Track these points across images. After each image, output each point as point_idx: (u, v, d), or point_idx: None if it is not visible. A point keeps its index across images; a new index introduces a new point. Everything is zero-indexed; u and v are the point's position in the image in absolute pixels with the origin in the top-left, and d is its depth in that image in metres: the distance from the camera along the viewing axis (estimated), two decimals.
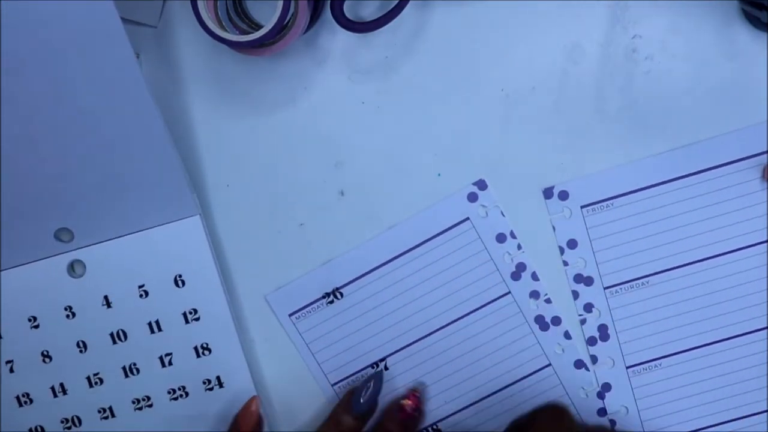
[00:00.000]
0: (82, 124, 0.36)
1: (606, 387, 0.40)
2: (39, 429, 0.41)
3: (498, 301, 0.40)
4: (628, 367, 0.39)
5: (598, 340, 0.39)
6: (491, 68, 0.38)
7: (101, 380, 0.41)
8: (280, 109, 0.40)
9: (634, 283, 0.39)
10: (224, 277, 0.40)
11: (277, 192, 0.40)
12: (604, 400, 0.40)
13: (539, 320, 0.39)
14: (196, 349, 0.40)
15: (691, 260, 0.38)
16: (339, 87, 0.39)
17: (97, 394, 0.41)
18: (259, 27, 0.37)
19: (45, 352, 0.41)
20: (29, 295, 0.40)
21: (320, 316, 0.41)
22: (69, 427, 0.41)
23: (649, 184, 0.38)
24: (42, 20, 0.33)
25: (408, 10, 0.37)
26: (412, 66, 0.39)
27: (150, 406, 0.41)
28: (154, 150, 0.37)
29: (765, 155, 0.37)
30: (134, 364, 0.41)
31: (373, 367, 0.41)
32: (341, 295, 0.40)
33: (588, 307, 0.39)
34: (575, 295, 0.39)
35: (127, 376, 0.41)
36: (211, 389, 0.41)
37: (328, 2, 0.38)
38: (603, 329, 0.39)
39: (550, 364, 0.40)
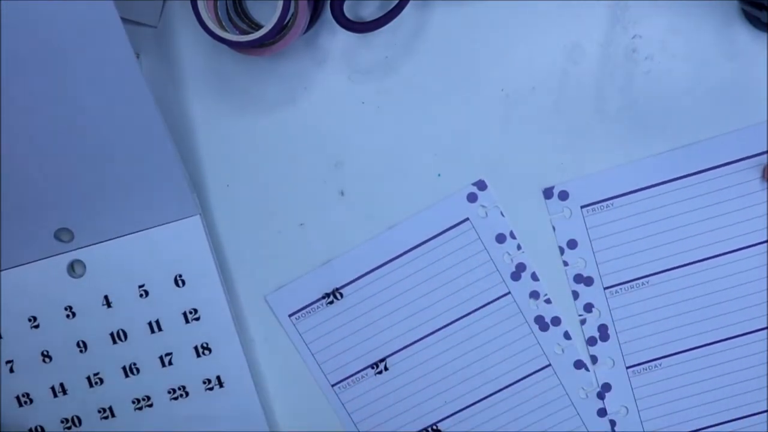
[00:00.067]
0: (83, 123, 0.36)
1: (606, 387, 0.40)
2: (39, 429, 0.41)
3: (498, 301, 0.40)
4: (628, 367, 0.39)
5: (598, 340, 0.39)
6: (491, 68, 0.38)
7: (101, 380, 0.41)
8: (280, 109, 0.40)
9: (634, 283, 0.39)
10: (224, 277, 0.40)
11: (277, 192, 0.40)
12: (604, 400, 0.40)
13: (539, 320, 0.39)
14: (196, 348, 0.40)
15: (691, 260, 0.38)
16: (339, 87, 0.39)
17: (98, 393, 0.41)
18: (259, 27, 0.37)
19: (45, 352, 0.41)
20: (29, 295, 0.40)
21: (320, 317, 0.41)
22: (69, 427, 0.41)
23: (649, 184, 0.38)
24: (42, 20, 0.33)
25: (408, 10, 0.37)
26: (412, 66, 0.39)
27: (150, 405, 0.41)
28: (154, 150, 0.37)
29: (765, 155, 0.37)
30: (134, 364, 0.41)
31: (373, 367, 0.41)
32: (341, 295, 0.40)
33: (588, 307, 0.39)
34: (575, 295, 0.39)
35: (127, 375, 0.41)
36: (211, 389, 0.41)
37: (328, 2, 0.38)
38: (603, 329, 0.39)
39: (550, 365, 0.40)
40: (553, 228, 0.39)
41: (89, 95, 0.35)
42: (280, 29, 0.36)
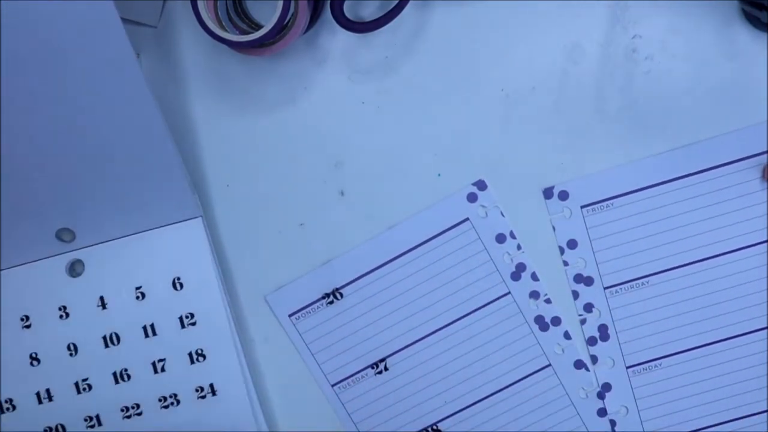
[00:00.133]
0: (83, 124, 0.36)
1: (606, 387, 0.40)
2: None
3: (498, 301, 0.40)
4: (628, 367, 0.39)
5: (598, 340, 0.39)
6: (491, 68, 0.38)
7: (89, 386, 0.40)
8: (280, 109, 0.40)
9: (634, 283, 0.39)
10: (224, 278, 0.40)
11: (277, 192, 0.40)
12: (604, 400, 0.40)
13: (539, 320, 0.39)
14: (190, 354, 0.39)
15: (691, 260, 0.38)
16: (339, 87, 0.39)
17: (85, 400, 0.40)
18: (259, 27, 0.37)
19: (33, 355, 0.40)
20: (27, 295, 0.40)
21: (320, 317, 0.41)
22: None
23: (649, 184, 0.38)
24: (42, 20, 0.33)
25: (408, 10, 0.37)
26: (412, 66, 0.39)
27: (139, 414, 0.40)
28: (155, 150, 0.37)
29: (765, 155, 0.37)
30: (125, 370, 0.40)
31: (373, 367, 0.41)
32: (341, 295, 0.40)
33: (588, 307, 0.39)
34: (575, 295, 0.39)
35: (117, 382, 0.40)
36: (203, 397, 0.40)
37: (328, 2, 0.38)
38: (603, 329, 0.39)
39: (550, 365, 0.40)
40: (553, 228, 0.39)
41: (90, 95, 0.35)
42: (280, 29, 0.36)
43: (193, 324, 0.39)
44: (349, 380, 0.41)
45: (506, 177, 0.39)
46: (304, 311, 0.41)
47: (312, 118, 0.40)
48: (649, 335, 0.39)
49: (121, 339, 0.40)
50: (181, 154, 0.38)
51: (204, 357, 0.39)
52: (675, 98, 0.37)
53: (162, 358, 0.39)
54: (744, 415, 0.39)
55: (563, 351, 0.40)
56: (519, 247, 0.39)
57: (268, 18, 0.35)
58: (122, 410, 0.40)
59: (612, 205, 0.38)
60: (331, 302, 0.40)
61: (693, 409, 0.39)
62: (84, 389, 0.40)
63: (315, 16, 0.38)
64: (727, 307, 0.38)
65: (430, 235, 0.39)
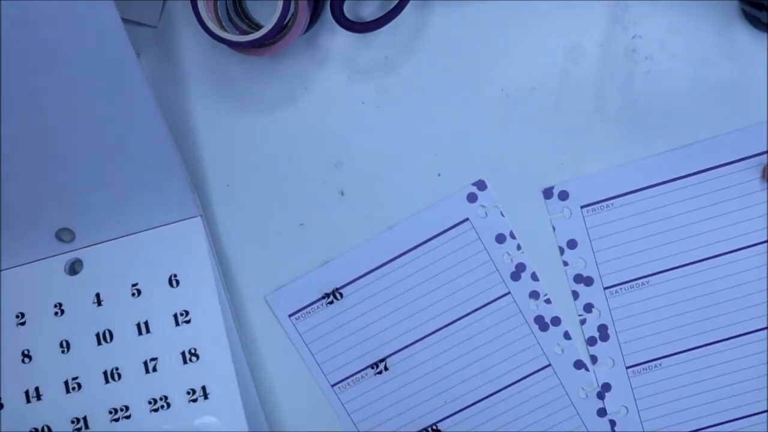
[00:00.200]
0: (84, 123, 0.36)
1: (606, 387, 0.40)
2: None
3: (498, 301, 0.40)
4: (628, 367, 0.39)
5: (598, 340, 0.39)
6: (491, 68, 0.38)
7: (79, 385, 0.39)
8: (280, 109, 0.40)
9: (634, 283, 0.39)
10: (224, 278, 0.40)
11: (277, 192, 0.40)
12: (604, 400, 0.40)
13: (539, 320, 0.39)
14: (183, 354, 0.39)
15: (691, 260, 0.38)
16: (339, 87, 0.39)
17: (73, 401, 0.39)
18: (259, 27, 0.37)
19: (26, 352, 0.39)
20: (25, 294, 0.40)
21: (320, 317, 0.41)
22: None
23: (649, 184, 0.38)
24: (42, 20, 0.33)
25: (408, 10, 0.37)
26: (412, 66, 0.39)
27: (128, 417, 0.39)
28: (156, 150, 0.37)
29: (765, 155, 0.37)
30: (116, 369, 0.39)
31: (373, 368, 0.41)
32: (341, 295, 0.40)
33: (588, 307, 0.39)
34: (575, 295, 0.39)
35: (107, 381, 0.39)
36: (195, 400, 0.39)
37: (328, 2, 0.38)
38: (603, 329, 0.39)
39: (549, 365, 0.40)
40: (553, 228, 0.39)
41: (90, 95, 0.35)
42: (280, 29, 0.36)
43: (188, 322, 0.39)
44: (349, 380, 0.41)
45: (506, 177, 0.39)
46: (304, 311, 0.41)
47: (312, 118, 0.40)
48: (649, 335, 0.39)
49: (114, 336, 0.39)
50: (180, 154, 0.38)
51: (197, 357, 0.39)
52: (675, 98, 0.37)
53: (154, 357, 0.39)
54: (744, 415, 0.39)
55: (563, 351, 0.40)
56: (519, 247, 0.39)
57: (268, 18, 0.35)
58: (110, 412, 0.39)
59: (612, 205, 0.38)
60: (331, 302, 0.40)
61: (693, 409, 0.39)
62: (73, 388, 0.39)
63: (315, 16, 0.38)
64: (727, 307, 0.38)
65: (430, 235, 0.39)
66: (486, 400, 0.40)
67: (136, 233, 0.39)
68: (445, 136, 0.39)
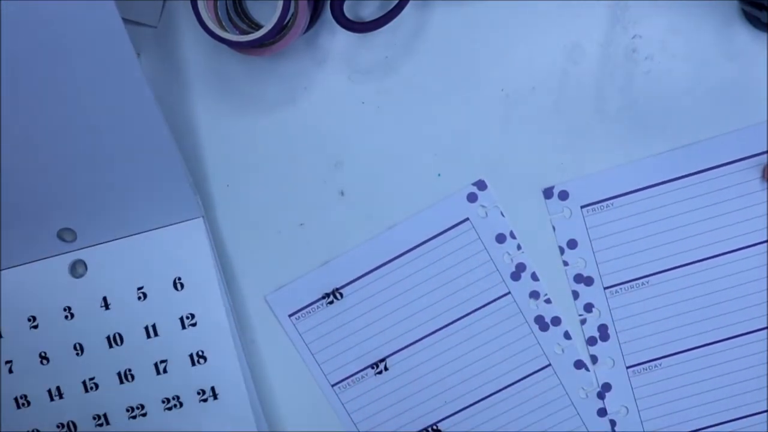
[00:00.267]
0: (84, 124, 0.36)
1: (606, 387, 0.40)
2: None
3: (498, 301, 0.40)
4: (628, 367, 0.39)
5: (598, 340, 0.39)
6: (491, 68, 0.38)
7: (96, 385, 0.40)
8: (280, 109, 0.40)
9: (634, 283, 0.39)
10: (225, 278, 0.40)
11: (277, 192, 0.40)
12: (604, 400, 0.40)
13: (539, 320, 0.39)
14: (191, 356, 0.40)
15: (691, 260, 0.38)
16: (339, 87, 0.39)
17: (93, 399, 0.40)
18: (259, 27, 0.37)
19: (43, 354, 0.40)
20: (31, 295, 0.40)
21: (320, 317, 0.41)
22: None
23: (649, 184, 0.38)
24: (42, 20, 0.33)
25: (408, 10, 0.37)
26: (412, 66, 0.39)
27: (144, 415, 0.40)
28: (157, 150, 0.37)
29: (765, 155, 0.37)
30: (129, 370, 0.40)
31: (373, 368, 0.41)
32: (341, 295, 0.40)
33: (588, 307, 0.39)
34: (575, 295, 0.39)
35: (122, 382, 0.40)
36: (205, 400, 0.40)
37: (328, 2, 0.38)
38: (603, 329, 0.39)
39: (550, 365, 0.40)
40: (553, 228, 0.39)
41: (91, 95, 0.35)
42: (280, 29, 0.36)
43: (194, 325, 0.39)
44: (349, 380, 0.41)
45: (506, 177, 0.39)
46: (304, 311, 0.41)
47: (312, 118, 0.40)
48: (649, 335, 0.39)
49: (125, 339, 0.40)
50: (180, 154, 0.38)
51: (205, 359, 0.40)
52: (675, 98, 0.37)
53: (164, 359, 0.40)
54: (744, 415, 0.39)
55: (563, 351, 0.40)
56: (519, 247, 0.39)
57: (268, 18, 0.35)
58: (128, 410, 0.40)
59: (612, 205, 0.38)
60: (331, 302, 0.40)
61: (693, 409, 0.39)
62: (91, 388, 0.40)
63: (315, 16, 0.38)
64: (727, 307, 0.38)
65: (430, 235, 0.39)
66: (486, 400, 0.40)
67: (138, 234, 0.39)
68: (445, 136, 0.39)
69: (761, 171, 0.37)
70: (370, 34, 0.39)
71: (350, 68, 0.39)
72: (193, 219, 0.39)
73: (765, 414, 0.39)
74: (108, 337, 0.40)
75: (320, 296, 0.41)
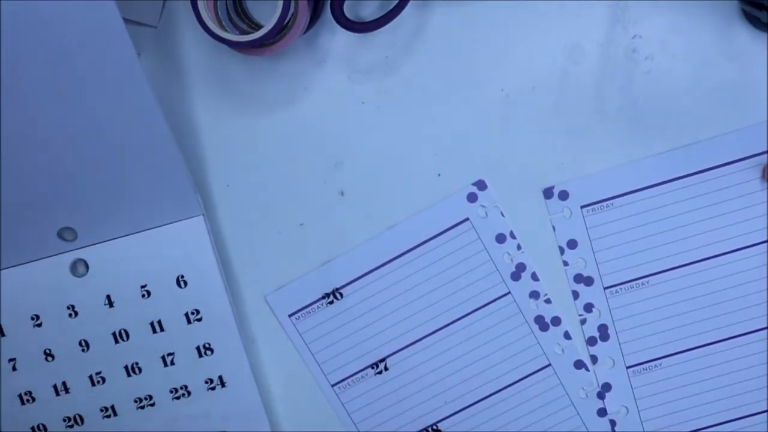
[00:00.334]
0: (85, 123, 0.36)
1: (606, 387, 0.40)
2: (41, 427, 0.41)
3: (498, 301, 0.40)
4: (628, 367, 0.39)
5: (598, 340, 0.39)
6: (491, 68, 0.38)
7: (103, 379, 0.41)
8: (280, 109, 0.40)
9: (634, 283, 0.39)
10: (226, 277, 0.40)
11: (277, 192, 0.40)
12: (604, 400, 0.40)
13: (539, 320, 0.39)
14: (198, 349, 0.40)
15: (691, 260, 0.38)
16: (339, 87, 0.39)
17: (100, 392, 0.41)
18: (259, 27, 0.37)
19: (47, 351, 0.41)
20: (32, 294, 0.40)
21: (320, 317, 0.41)
22: (71, 426, 0.41)
23: (649, 184, 0.38)
24: (43, 20, 0.33)
25: (408, 10, 0.37)
26: (412, 66, 0.39)
27: (152, 405, 0.41)
28: (157, 150, 0.37)
29: (765, 155, 0.37)
30: (136, 364, 0.41)
31: (373, 367, 0.41)
32: (341, 295, 0.40)
33: (588, 307, 0.39)
34: (575, 295, 0.39)
35: (129, 375, 0.41)
36: (213, 389, 0.41)
37: (328, 2, 0.38)
38: (603, 329, 0.39)
39: (550, 365, 0.40)
40: (553, 228, 0.39)
41: (92, 95, 0.35)
42: (280, 29, 0.36)
43: (199, 320, 0.40)
44: (349, 380, 0.41)
45: (506, 177, 0.39)
46: (304, 311, 0.41)
47: (312, 118, 0.40)
48: (649, 335, 0.39)
49: (130, 335, 0.40)
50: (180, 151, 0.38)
51: (212, 351, 0.40)
52: (675, 98, 0.37)
53: (171, 352, 0.40)
54: (744, 415, 0.39)
55: (563, 351, 0.40)
56: (519, 247, 0.39)
57: (268, 18, 0.35)
58: (135, 401, 0.41)
59: (612, 205, 0.38)
60: (331, 302, 0.41)
61: (693, 409, 0.39)
62: (98, 381, 0.41)
63: (315, 16, 0.38)
64: (727, 307, 0.38)
65: (430, 235, 0.39)
66: (486, 400, 0.40)
67: (138, 232, 0.39)
68: (445, 136, 0.39)
69: (761, 171, 0.37)
70: (370, 34, 0.39)
71: (350, 68, 0.39)
72: (193, 217, 0.39)
73: (765, 414, 0.39)
74: (114, 333, 0.40)
75: (320, 296, 0.41)
